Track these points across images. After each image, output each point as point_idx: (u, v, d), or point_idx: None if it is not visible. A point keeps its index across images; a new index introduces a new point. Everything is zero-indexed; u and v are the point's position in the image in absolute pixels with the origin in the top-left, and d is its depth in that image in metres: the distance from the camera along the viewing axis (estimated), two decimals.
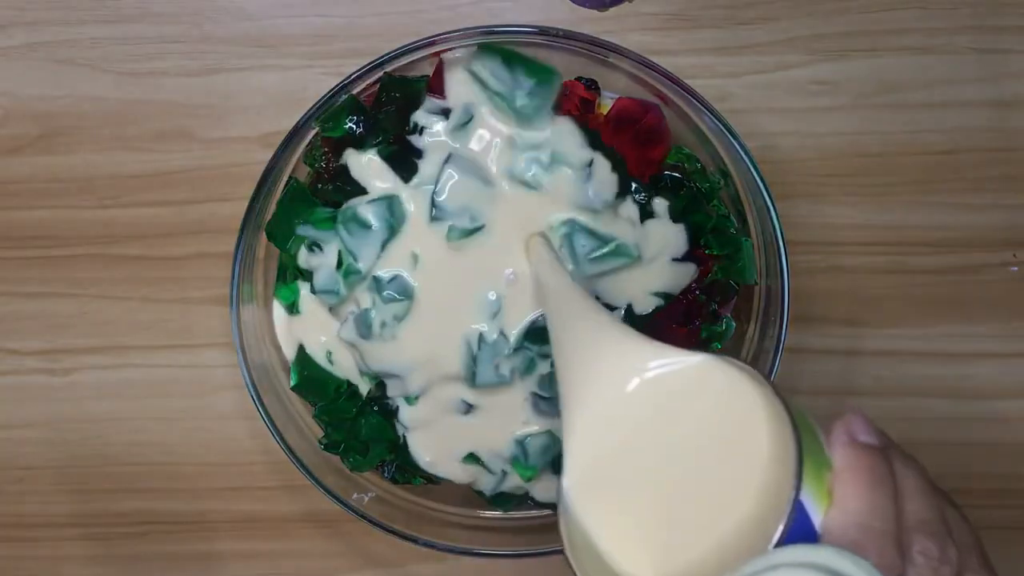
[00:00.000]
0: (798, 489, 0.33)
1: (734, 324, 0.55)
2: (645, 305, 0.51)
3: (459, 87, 0.50)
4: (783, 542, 0.32)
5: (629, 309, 0.51)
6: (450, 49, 0.50)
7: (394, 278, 0.50)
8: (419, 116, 0.51)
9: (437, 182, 0.50)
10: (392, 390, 0.52)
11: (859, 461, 0.35)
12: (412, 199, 0.51)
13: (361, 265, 0.50)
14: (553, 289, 0.43)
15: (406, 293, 0.50)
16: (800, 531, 0.33)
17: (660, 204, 0.52)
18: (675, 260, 0.52)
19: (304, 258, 0.52)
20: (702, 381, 0.37)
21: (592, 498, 0.37)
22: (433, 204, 0.50)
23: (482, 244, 0.50)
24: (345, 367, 0.53)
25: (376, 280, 0.50)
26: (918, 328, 0.58)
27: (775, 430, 0.35)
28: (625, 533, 0.36)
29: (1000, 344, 0.58)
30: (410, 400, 0.52)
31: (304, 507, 0.59)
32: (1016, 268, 0.58)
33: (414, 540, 0.52)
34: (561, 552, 0.52)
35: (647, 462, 0.36)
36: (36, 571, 0.60)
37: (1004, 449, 0.59)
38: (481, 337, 0.50)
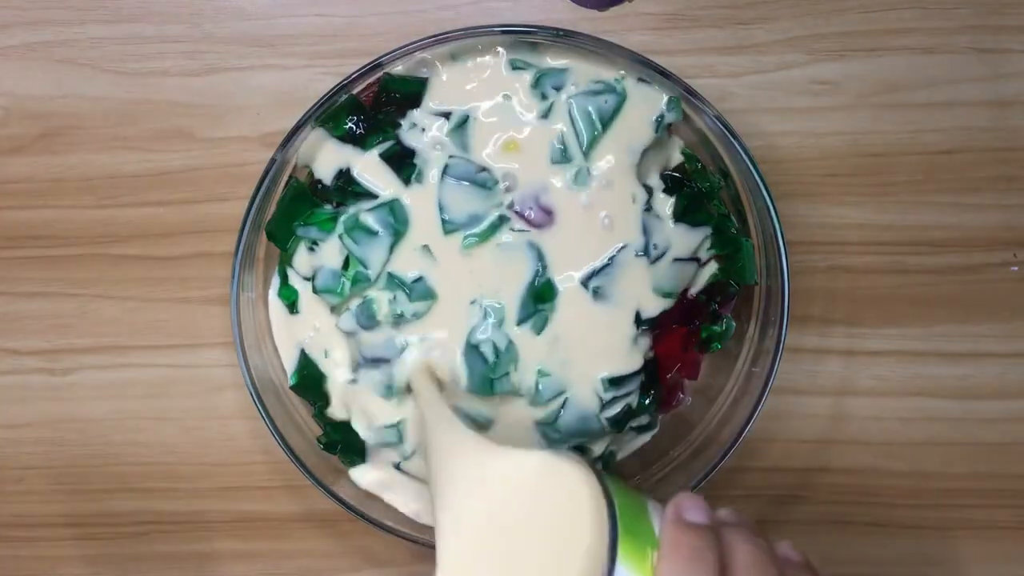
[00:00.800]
0: (609, 568, 0.35)
1: (734, 324, 0.55)
2: (654, 307, 0.52)
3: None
4: None
5: (637, 316, 0.52)
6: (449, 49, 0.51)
7: (419, 279, 0.51)
8: (417, 116, 0.51)
9: (440, 196, 0.50)
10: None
11: (680, 539, 0.37)
12: (414, 201, 0.51)
13: (371, 272, 0.51)
14: (428, 416, 0.47)
15: (430, 294, 0.51)
16: None
17: (664, 203, 0.52)
18: (678, 260, 0.52)
19: (304, 258, 0.53)
20: (539, 477, 0.40)
21: None
22: (443, 219, 0.50)
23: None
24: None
25: (395, 279, 0.51)
26: (918, 328, 0.58)
27: (596, 516, 0.37)
28: None
29: (1000, 344, 0.58)
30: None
31: (304, 507, 0.59)
32: (1016, 268, 0.58)
33: (414, 540, 0.53)
34: None
35: (500, 550, 0.40)
36: (36, 571, 0.60)
37: (1004, 449, 0.59)
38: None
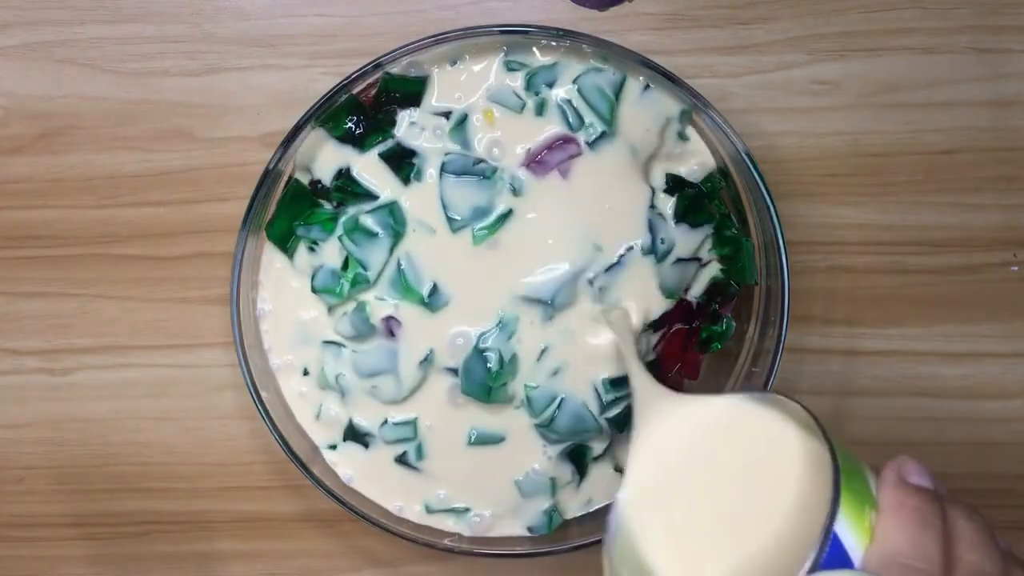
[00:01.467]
0: (831, 518, 0.33)
1: (734, 324, 0.55)
2: (659, 307, 0.52)
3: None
4: (816, 569, 0.33)
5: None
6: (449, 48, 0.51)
7: (434, 289, 0.51)
8: (415, 116, 0.51)
9: (442, 194, 0.51)
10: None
11: (905, 501, 0.35)
12: (416, 202, 0.51)
13: (370, 273, 0.51)
14: (628, 360, 0.47)
15: (445, 300, 0.51)
16: (836, 565, 0.33)
17: (665, 202, 0.52)
18: (680, 260, 0.52)
19: (304, 258, 0.53)
20: (746, 419, 0.39)
21: (642, 514, 0.40)
22: (449, 218, 0.51)
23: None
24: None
25: (412, 292, 0.51)
26: (918, 328, 0.58)
27: (808, 465, 0.36)
28: (669, 548, 0.38)
29: (1000, 344, 0.58)
30: None
31: (304, 507, 0.59)
32: (1016, 268, 0.58)
33: (414, 540, 0.53)
34: (559, 553, 0.52)
35: (693, 489, 0.39)
36: (36, 571, 0.60)
37: (1004, 449, 0.59)
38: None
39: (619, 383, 0.51)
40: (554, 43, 0.51)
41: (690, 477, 0.39)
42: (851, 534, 0.34)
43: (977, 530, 0.35)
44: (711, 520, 0.38)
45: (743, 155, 0.50)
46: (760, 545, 0.36)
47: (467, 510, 0.54)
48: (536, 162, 0.50)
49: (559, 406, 0.52)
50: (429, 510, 0.54)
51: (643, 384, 0.44)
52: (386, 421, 0.53)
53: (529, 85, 0.51)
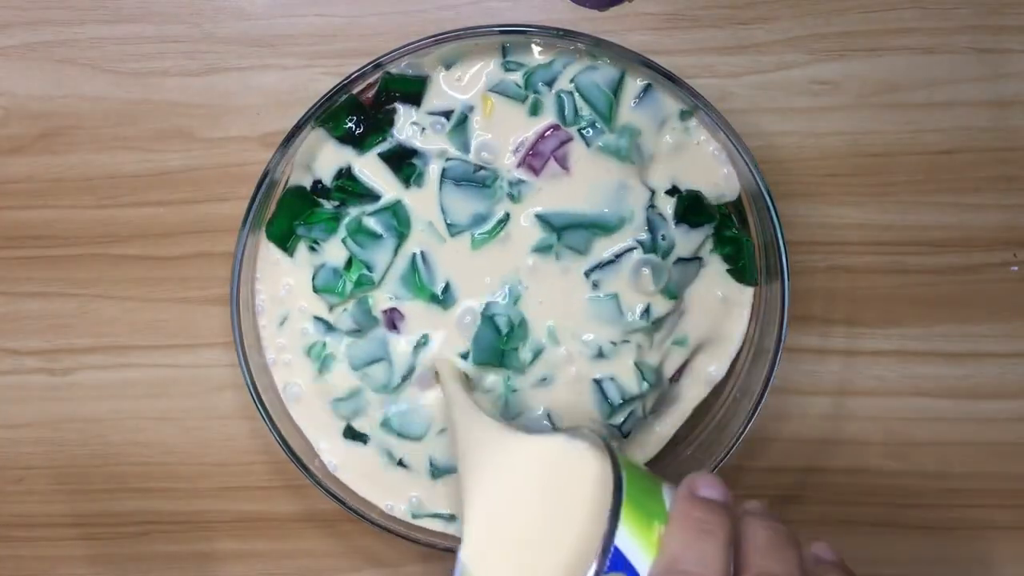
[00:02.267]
0: (609, 531, 0.36)
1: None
2: (661, 308, 0.52)
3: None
4: None
5: (648, 310, 0.52)
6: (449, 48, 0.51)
7: (446, 287, 0.52)
8: (416, 116, 0.51)
9: (441, 200, 0.51)
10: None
11: (689, 511, 0.37)
12: (415, 204, 0.51)
13: (375, 275, 0.51)
14: (453, 404, 0.48)
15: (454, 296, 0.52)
16: None
17: (665, 202, 0.52)
18: (681, 260, 0.52)
19: (303, 254, 0.53)
20: (554, 457, 0.41)
21: (484, 561, 0.41)
22: (447, 223, 0.51)
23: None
24: None
25: (426, 290, 0.51)
26: (918, 328, 0.58)
27: (600, 485, 0.38)
28: None
29: (1000, 344, 0.58)
30: None
31: (304, 507, 0.59)
32: (1016, 268, 0.58)
33: (414, 540, 0.53)
34: None
35: (519, 527, 0.40)
36: (36, 571, 0.60)
37: (1004, 449, 0.59)
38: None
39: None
40: (557, 44, 0.51)
41: (518, 518, 0.41)
42: (638, 548, 0.36)
43: (770, 536, 0.36)
44: (535, 555, 0.39)
45: (743, 155, 0.50)
46: (571, 569, 0.37)
47: (452, 516, 0.54)
48: (532, 155, 0.50)
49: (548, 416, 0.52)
50: (415, 515, 0.54)
51: (474, 421, 0.45)
52: (386, 421, 0.53)
53: (527, 84, 0.51)
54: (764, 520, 0.37)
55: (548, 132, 0.51)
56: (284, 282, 0.53)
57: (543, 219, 0.51)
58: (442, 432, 0.53)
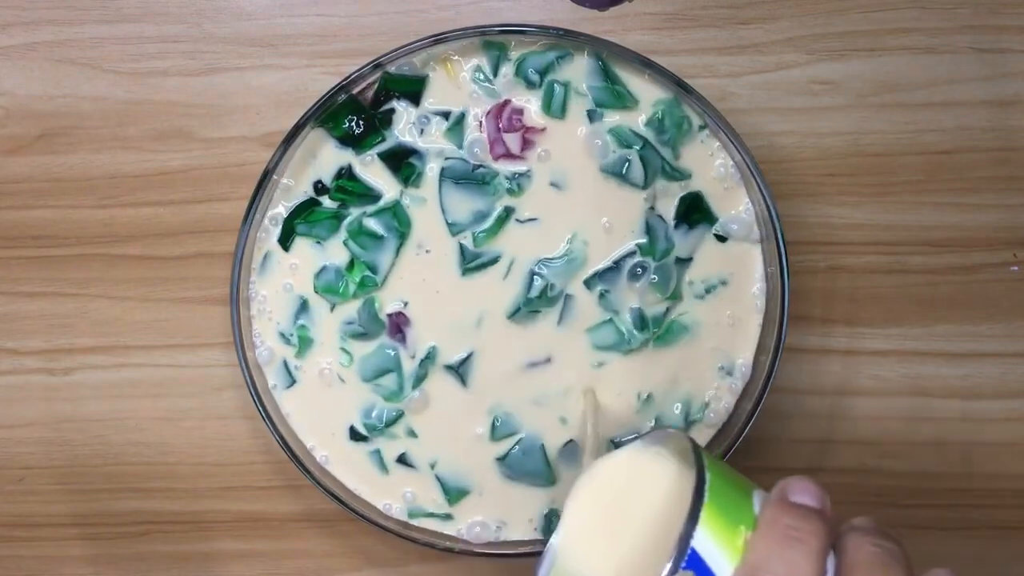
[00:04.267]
0: (685, 536, 0.34)
1: None
2: (658, 308, 0.52)
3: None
4: None
5: (640, 313, 0.52)
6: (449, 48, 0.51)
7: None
8: (415, 115, 0.51)
9: (441, 200, 0.51)
10: None
11: (779, 517, 0.35)
12: (415, 204, 0.51)
13: (378, 276, 0.51)
14: (589, 436, 0.50)
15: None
16: None
17: (665, 205, 0.52)
18: (680, 260, 0.52)
19: (305, 258, 0.53)
20: (631, 465, 0.40)
21: (574, 547, 0.40)
22: (448, 223, 0.51)
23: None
24: None
25: None
26: (918, 328, 0.58)
27: (676, 486, 0.38)
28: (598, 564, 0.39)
29: (1000, 344, 0.58)
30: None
31: (304, 507, 0.59)
32: (1016, 268, 0.58)
33: (414, 540, 0.53)
34: None
35: (609, 523, 0.40)
36: (36, 571, 0.60)
37: (1004, 449, 0.59)
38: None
39: None
40: (561, 44, 0.51)
41: (607, 523, 0.40)
42: (720, 553, 0.34)
43: (875, 553, 0.34)
44: (621, 550, 0.39)
45: (743, 155, 0.50)
46: (648, 569, 0.36)
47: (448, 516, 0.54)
48: (492, 143, 0.51)
49: (518, 443, 0.53)
50: (412, 515, 0.54)
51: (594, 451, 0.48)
52: (386, 420, 0.53)
53: (518, 71, 0.51)
54: (871, 535, 0.35)
55: (505, 103, 0.51)
56: (284, 282, 0.53)
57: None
58: (442, 432, 0.53)
